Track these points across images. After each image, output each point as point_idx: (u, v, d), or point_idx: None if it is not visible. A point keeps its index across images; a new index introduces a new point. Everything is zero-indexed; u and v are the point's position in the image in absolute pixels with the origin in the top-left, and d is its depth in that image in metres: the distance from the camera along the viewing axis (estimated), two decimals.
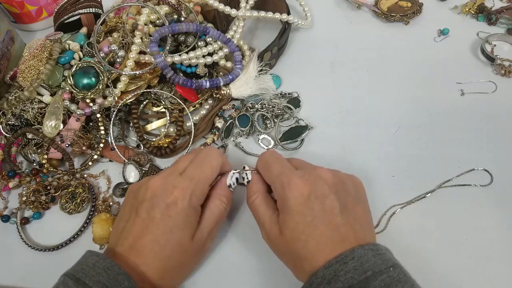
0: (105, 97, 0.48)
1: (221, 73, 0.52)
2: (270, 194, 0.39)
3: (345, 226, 0.33)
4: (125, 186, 0.47)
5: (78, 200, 0.45)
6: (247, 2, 0.56)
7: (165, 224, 0.34)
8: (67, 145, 0.47)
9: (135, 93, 0.50)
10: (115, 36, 0.52)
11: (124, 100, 0.49)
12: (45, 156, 0.47)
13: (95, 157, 0.49)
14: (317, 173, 0.35)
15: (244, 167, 0.41)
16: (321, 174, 0.35)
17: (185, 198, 0.35)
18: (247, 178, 0.40)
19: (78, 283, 0.31)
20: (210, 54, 0.52)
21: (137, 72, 0.48)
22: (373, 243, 0.33)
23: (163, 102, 0.52)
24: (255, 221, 0.39)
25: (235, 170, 0.40)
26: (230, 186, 0.39)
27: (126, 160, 0.48)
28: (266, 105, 0.52)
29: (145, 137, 0.50)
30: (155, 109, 0.52)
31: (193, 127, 0.50)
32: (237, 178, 0.40)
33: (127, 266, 0.33)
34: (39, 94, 0.49)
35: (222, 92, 0.51)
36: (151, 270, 0.34)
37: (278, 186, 0.35)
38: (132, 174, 0.47)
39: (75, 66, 0.47)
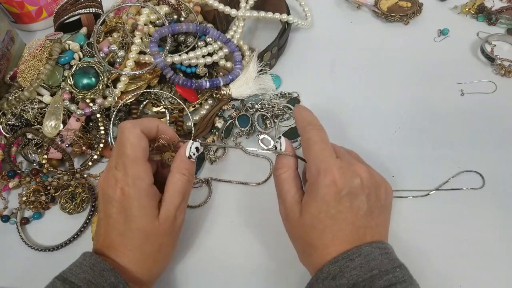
0: (105, 97, 0.48)
1: (221, 73, 0.52)
2: (298, 171, 0.38)
3: (365, 229, 0.32)
4: None
5: (78, 200, 0.45)
6: (247, 2, 0.56)
7: (123, 216, 0.34)
8: (67, 145, 0.47)
9: (135, 93, 0.50)
10: (115, 36, 0.52)
11: (124, 100, 0.49)
12: (45, 156, 0.47)
13: (95, 157, 0.49)
14: (356, 170, 0.33)
15: (280, 137, 0.38)
16: (359, 171, 0.33)
17: (129, 185, 0.34)
18: (280, 148, 0.37)
19: (65, 283, 0.31)
20: (210, 54, 0.52)
21: (137, 72, 0.48)
22: (381, 241, 0.33)
23: (163, 102, 0.52)
24: (276, 193, 0.37)
25: (195, 139, 0.38)
26: (190, 157, 0.37)
27: None
28: (266, 105, 0.52)
29: None
30: (155, 109, 0.52)
31: (193, 127, 0.50)
32: (197, 148, 0.37)
33: (108, 262, 0.34)
34: (39, 94, 0.49)
35: (222, 92, 0.51)
36: (129, 262, 0.34)
37: (314, 168, 0.34)
38: None
39: (75, 66, 0.47)
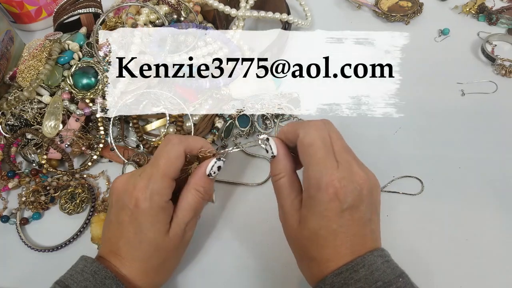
0: (104, 97, 0.48)
1: None
2: (296, 174, 0.36)
3: (366, 237, 0.32)
4: None
5: (78, 201, 0.45)
6: (247, 2, 0.55)
7: (134, 227, 0.33)
8: (66, 146, 0.47)
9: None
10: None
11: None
12: (45, 157, 0.47)
13: (95, 157, 0.48)
14: (356, 179, 0.31)
15: (267, 138, 0.35)
16: (359, 180, 0.31)
17: (146, 198, 0.33)
18: (272, 152, 0.35)
19: None
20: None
21: None
22: (380, 248, 0.32)
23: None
24: (276, 198, 0.35)
25: (219, 157, 0.36)
26: (210, 175, 0.36)
27: (126, 161, 0.47)
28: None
29: (144, 137, 0.50)
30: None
31: (192, 127, 0.49)
32: (219, 167, 0.36)
33: (111, 269, 0.33)
34: (38, 94, 0.49)
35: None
36: (133, 272, 0.34)
37: (313, 180, 0.31)
38: None
39: (74, 66, 0.47)
